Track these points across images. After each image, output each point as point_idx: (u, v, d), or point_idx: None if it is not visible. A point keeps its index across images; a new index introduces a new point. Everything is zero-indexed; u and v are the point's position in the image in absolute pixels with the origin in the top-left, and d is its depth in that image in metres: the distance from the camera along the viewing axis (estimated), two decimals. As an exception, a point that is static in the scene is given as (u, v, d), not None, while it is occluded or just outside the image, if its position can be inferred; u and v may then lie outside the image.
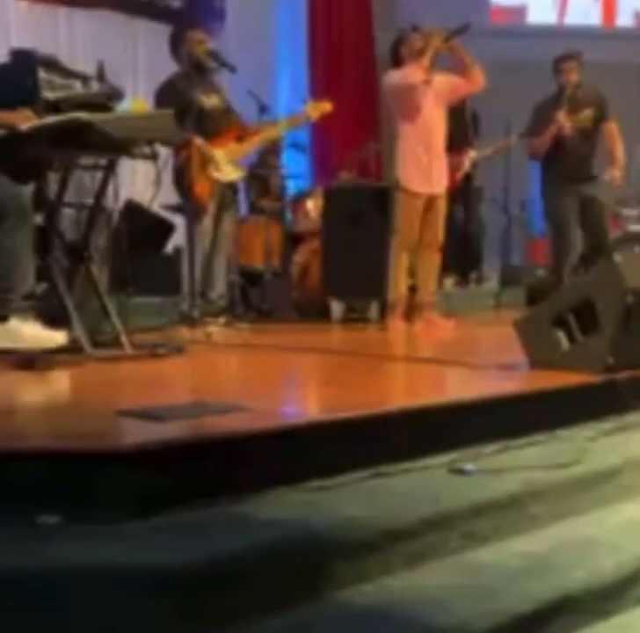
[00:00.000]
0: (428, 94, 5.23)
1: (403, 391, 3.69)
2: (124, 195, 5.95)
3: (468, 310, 6.30)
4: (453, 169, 7.24)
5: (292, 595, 2.20)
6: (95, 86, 3.76)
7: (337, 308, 5.63)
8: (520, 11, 10.60)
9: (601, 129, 6.04)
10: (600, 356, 3.48)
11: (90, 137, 3.48)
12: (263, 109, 5.83)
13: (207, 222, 5.09)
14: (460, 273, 7.38)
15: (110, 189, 4.78)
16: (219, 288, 5.23)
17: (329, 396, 3.26)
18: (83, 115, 3.47)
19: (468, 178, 7.41)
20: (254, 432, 2.54)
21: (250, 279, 5.91)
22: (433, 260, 5.41)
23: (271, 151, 6.30)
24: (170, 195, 5.51)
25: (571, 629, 2.43)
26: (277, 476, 2.52)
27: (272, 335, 4.98)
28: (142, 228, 5.83)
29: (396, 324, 5.22)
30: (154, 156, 3.79)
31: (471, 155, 7.28)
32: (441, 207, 5.39)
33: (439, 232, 5.38)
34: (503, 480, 2.78)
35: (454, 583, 2.41)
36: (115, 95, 3.70)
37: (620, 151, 6.00)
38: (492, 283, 7.36)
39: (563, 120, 5.82)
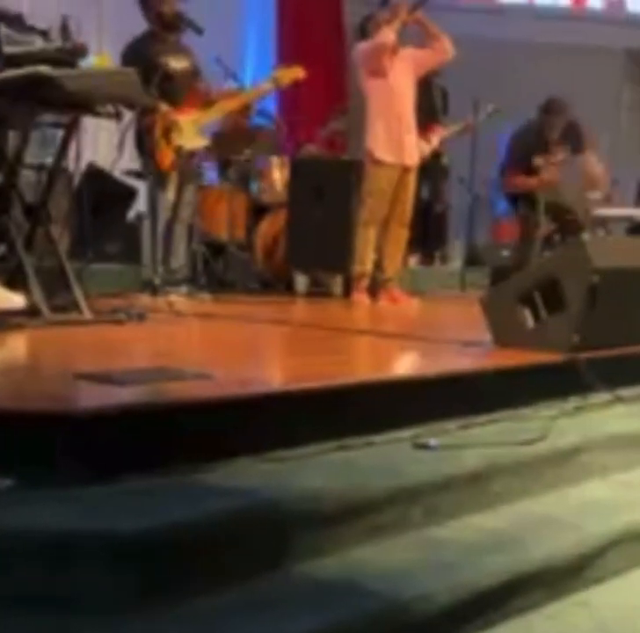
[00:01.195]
0: (396, 65, 5.19)
1: (366, 364, 3.66)
2: (87, 158, 5.81)
3: (432, 289, 6.28)
4: (420, 146, 7.23)
5: (251, 566, 2.16)
6: (57, 42, 3.65)
7: (301, 281, 5.57)
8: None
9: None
10: (565, 335, 3.47)
11: (50, 93, 3.41)
12: (231, 76, 5.73)
13: (169, 190, 4.99)
14: (425, 252, 7.36)
15: (72, 151, 4.68)
16: (180, 258, 5.14)
17: (292, 366, 3.22)
18: (43, 69, 3.38)
19: (435, 155, 7.37)
20: (215, 399, 2.49)
21: (214, 249, 5.82)
22: (401, 236, 5.37)
23: (240, 119, 6.17)
24: (133, 161, 5.40)
25: (532, 606, 2.43)
26: (239, 445, 2.47)
27: (235, 306, 4.91)
28: (104, 193, 5.70)
29: (361, 299, 5.18)
30: (117, 116, 3.69)
31: (440, 132, 7.24)
32: (412, 181, 5.33)
33: (408, 207, 5.33)
34: (466, 456, 2.76)
35: (417, 557, 2.38)
36: (78, 51, 3.58)
37: (598, 173, 6.22)
38: (457, 263, 7.34)
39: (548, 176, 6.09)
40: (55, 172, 3.95)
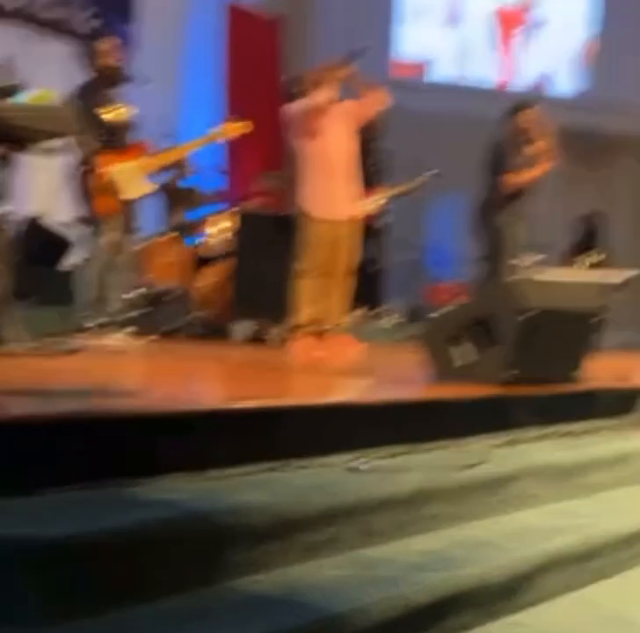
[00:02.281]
0: (334, 119, 5.26)
1: (302, 392, 3.67)
2: (24, 207, 5.84)
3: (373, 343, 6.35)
4: (362, 207, 7.40)
5: (180, 579, 2.13)
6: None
7: (240, 329, 5.59)
8: (423, 66, 10.95)
9: None
10: (497, 371, 3.55)
11: None
12: (170, 135, 5.81)
13: (108, 236, 4.99)
14: (364, 309, 7.44)
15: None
16: (118, 303, 5.13)
17: (224, 390, 3.22)
18: None
19: (377, 216, 7.54)
20: (144, 414, 2.47)
21: (154, 297, 5.83)
22: (347, 284, 5.41)
23: (184, 171, 6.25)
24: (73, 209, 5.41)
25: (466, 626, 2.43)
26: (169, 463, 2.45)
27: (171, 346, 4.90)
28: (42, 240, 5.70)
29: (300, 348, 5.20)
30: (51, 152, 3.70)
31: (382, 193, 7.42)
32: (355, 232, 5.38)
33: (353, 256, 5.38)
34: (402, 479, 2.78)
35: (350, 574, 2.38)
36: (11, 89, 3.59)
37: None
38: (395, 319, 7.46)
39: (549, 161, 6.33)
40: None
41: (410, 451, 3.05)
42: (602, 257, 7.80)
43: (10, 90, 3.56)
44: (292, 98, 5.34)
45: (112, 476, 2.31)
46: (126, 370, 3.89)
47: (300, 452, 2.76)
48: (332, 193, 5.24)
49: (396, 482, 2.75)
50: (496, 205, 6.37)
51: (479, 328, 3.54)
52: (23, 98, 3.62)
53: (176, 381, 3.43)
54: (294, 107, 5.26)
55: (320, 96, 5.10)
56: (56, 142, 3.77)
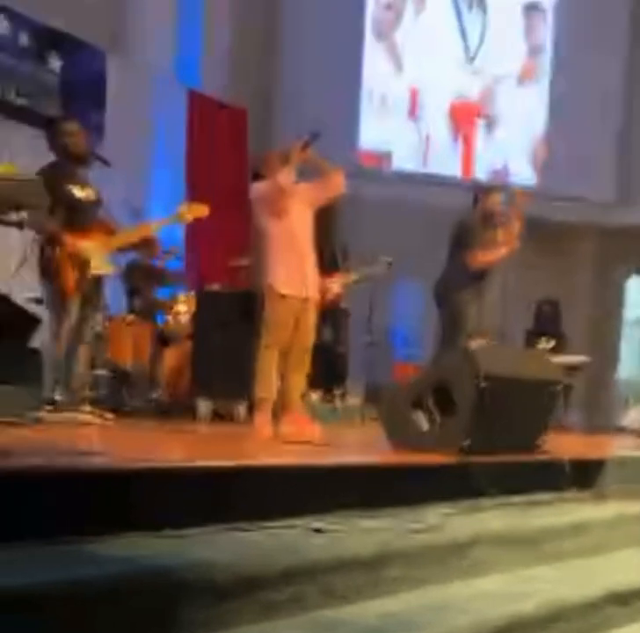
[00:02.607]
0: (295, 200, 5.42)
1: (263, 455, 3.68)
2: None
3: (332, 423, 6.37)
4: (322, 291, 7.52)
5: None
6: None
7: (204, 408, 5.60)
8: (386, 156, 11.28)
9: None
10: (456, 438, 3.59)
11: None
12: (137, 216, 5.91)
13: (72, 314, 5.01)
14: (325, 389, 7.48)
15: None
16: (83, 380, 5.12)
17: (186, 453, 3.22)
18: None
19: (336, 300, 7.67)
20: (102, 471, 2.48)
21: (118, 376, 5.84)
22: (305, 363, 5.46)
23: (147, 255, 6.35)
24: (33, 288, 5.45)
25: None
26: (129, 521, 2.45)
27: (136, 424, 4.90)
28: (7, 318, 5.70)
29: (263, 423, 5.21)
30: (20, 225, 3.76)
31: (340, 278, 7.57)
32: (313, 310, 5.47)
33: (310, 335, 5.46)
34: (362, 540, 2.79)
35: (310, 634, 2.37)
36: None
37: None
38: (357, 400, 7.49)
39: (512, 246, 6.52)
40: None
41: (370, 515, 3.06)
42: (553, 344, 7.94)
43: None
44: (257, 177, 5.48)
45: (70, 533, 2.30)
46: (89, 437, 3.89)
47: (261, 513, 2.77)
48: (297, 271, 5.34)
49: (357, 544, 2.76)
50: (458, 283, 6.52)
51: (440, 395, 3.60)
52: (-11, 170, 3.66)
53: (138, 446, 3.44)
54: (260, 187, 5.41)
55: (283, 176, 5.26)
56: (22, 215, 3.83)
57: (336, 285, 7.56)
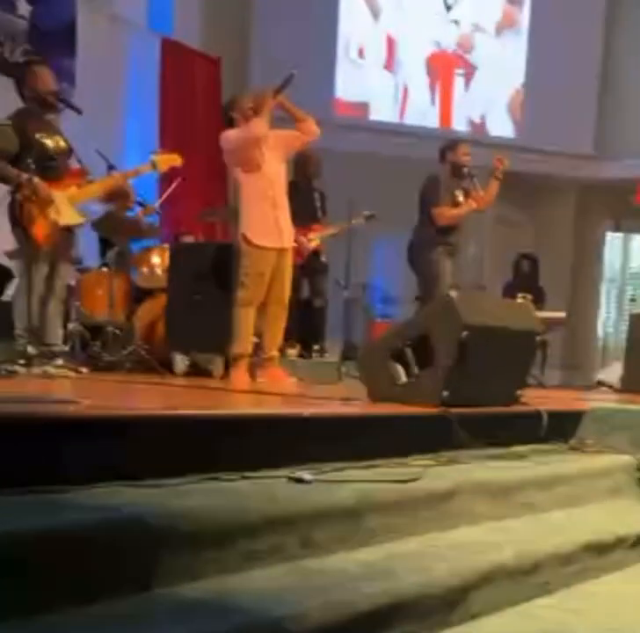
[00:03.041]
0: (268, 148, 5.27)
1: (243, 405, 3.65)
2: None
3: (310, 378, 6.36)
4: (300, 244, 7.45)
5: (118, 584, 2.09)
6: None
7: (180, 362, 5.55)
8: (363, 107, 11.16)
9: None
10: (436, 390, 3.56)
11: None
12: (110, 167, 5.79)
13: (42, 265, 4.93)
14: (303, 345, 7.45)
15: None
16: (56, 333, 5.06)
17: (166, 402, 3.19)
18: None
19: (315, 253, 7.60)
20: (81, 418, 2.44)
21: (93, 330, 5.76)
22: (281, 315, 5.41)
23: (120, 206, 6.23)
24: (6, 241, 5.35)
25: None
26: (107, 470, 2.43)
27: (112, 376, 4.85)
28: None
29: (240, 378, 5.17)
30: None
31: (318, 231, 7.49)
32: (289, 262, 5.42)
33: (286, 287, 5.40)
34: (341, 490, 2.77)
35: (290, 581, 2.36)
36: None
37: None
38: (334, 357, 7.46)
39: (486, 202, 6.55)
40: None
41: (350, 466, 3.05)
42: (530, 298, 7.95)
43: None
44: (230, 122, 5.35)
45: (47, 482, 2.27)
46: (63, 387, 3.84)
47: (241, 464, 2.75)
48: (272, 221, 5.27)
49: (336, 494, 2.74)
50: (428, 241, 6.48)
51: (419, 346, 3.56)
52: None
53: (114, 395, 3.40)
54: (232, 136, 5.27)
55: (256, 126, 5.14)
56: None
57: (314, 237, 7.50)
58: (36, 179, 4.80)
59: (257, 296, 5.25)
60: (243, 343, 5.24)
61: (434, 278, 6.40)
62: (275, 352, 5.43)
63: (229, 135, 5.27)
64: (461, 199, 6.61)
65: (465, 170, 6.58)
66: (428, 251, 6.45)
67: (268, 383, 5.10)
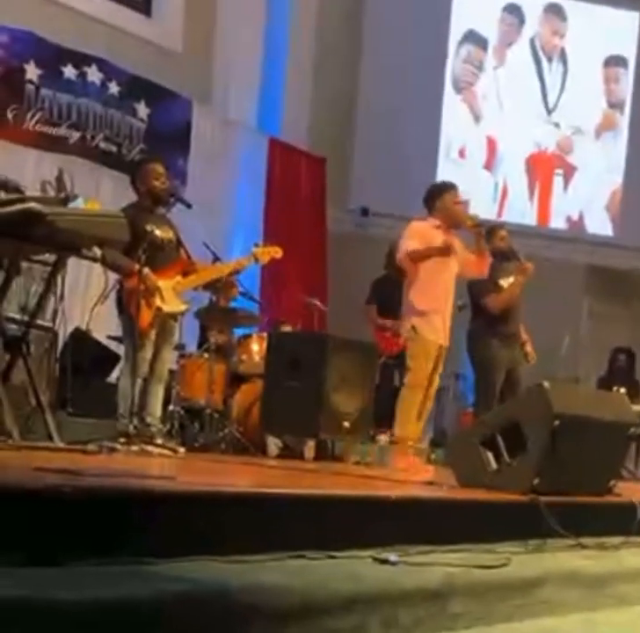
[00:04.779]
0: (452, 257, 5.55)
1: (334, 485, 3.67)
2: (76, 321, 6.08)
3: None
4: (397, 333, 7.54)
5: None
6: (51, 192, 3.90)
7: (273, 444, 5.66)
8: (463, 205, 11.30)
9: None
10: (526, 477, 3.55)
11: (39, 230, 3.50)
12: (215, 259, 6.04)
13: (146, 348, 5.13)
14: (393, 432, 7.45)
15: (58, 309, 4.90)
16: (156, 414, 5.22)
17: (257, 479, 3.26)
18: (34, 205, 3.50)
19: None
20: (175, 494, 2.53)
21: (192, 413, 5.95)
22: (427, 408, 5.55)
23: (224, 296, 6.47)
24: (114, 326, 5.59)
25: None
26: (198, 545, 2.47)
27: (208, 457, 4.98)
28: (88, 354, 5.89)
29: (408, 463, 5.17)
30: (103, 261, 3.87)
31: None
32: (441, 362, 5.57)
33: (435, 382, 5.54)
34: (427, 572, 2.77)
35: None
36: (69, 198, 3.80)
37: None
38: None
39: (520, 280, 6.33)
40: (38, 308, 4.09)
41: (436, 549, 3.04)
42: (624, 391, 7.77)
43: (66, 199, 3.77)
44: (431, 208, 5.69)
45: (137, 554, 2.33)
46: (160, 464, 3.96)
47: (327, 543, 2.78)
48: (443, 322, 5.57)
49: (421, 576, 2.74)
50: (482, 332, 6.42)
51: (510, 434, 3.57)
52: (77, 204, 3.80)
53: (208, 473, 3.49)
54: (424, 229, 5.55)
55: (451, 244, 5.51)
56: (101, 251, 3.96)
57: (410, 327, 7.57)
58: (146, 270, 5.03)
59: (421, 384, 5.42)
60: (405, 427, 5.38)
61: (488, 369, 6.32)
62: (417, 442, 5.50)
63: (420, 226, 5.64)
64: (503, 284, 6.51)
65: (506, 254, 6.48)
66: (482, 342, 6.38)
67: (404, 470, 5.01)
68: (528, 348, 6.58)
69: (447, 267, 5.57)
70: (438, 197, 5.75)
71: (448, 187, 5.95)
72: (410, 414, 5.27)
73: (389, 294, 7.72)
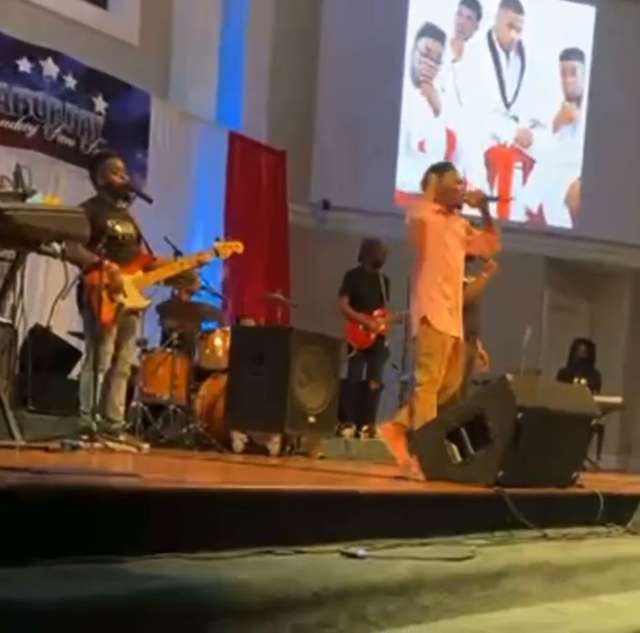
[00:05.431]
0: (456, 238, 5.21)
1: (299, 480, 3.68)
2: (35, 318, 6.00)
3: (362, 457, 6.39)
4: (367, 328, 7.56)
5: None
6: (8, 187, 3.85)
7: (238, 440, 5.64)
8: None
9: None
10: (491, 470, 3.58)
11: None
12: (177, 254, 6.00)
13: (108, 343, 5.08)
14: (358, 426, 7.47)
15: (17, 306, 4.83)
16: (119, 410, 5.18)
17: (223, 476, 3.25)
18: None
19: (379, 337, 7.70)
20: (139, 491, 2.51)
21: (154, 408, 5.91)
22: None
23: (185, 290, 6.44)
24: (74, 322, 5.53)
25: None
26: (162, 542, 2.46)
27: (172, 453, 4.94)
28: (48, 350, 5.82)
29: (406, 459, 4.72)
30: (63, 255, 3.84)
31: (387, 316, 7.61)
32: (462, 350, 5.11)
33: (459, 375, 5.10)
34: (395, 566, 2.77)
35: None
36: (27, 193, 3.76)
37: None
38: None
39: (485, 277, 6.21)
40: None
41: (403, 543, 3.06)
42: (585, 382, 7.88)
43: (24, 194, 3.72)
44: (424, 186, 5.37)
45: (102, 551, 2.31)
46: (123, 461, 3.94)
47: (294, 538, 2.78)
48: (454, 311, 5.10)
49: (389, 570, 2.75)
50: None
51: (474, 427, 3.60)
52: (35, 200, 3.76)
53: (173, 470, 3.48)
54: (426, 208, 5.20)
55: (452, 224, 5.18)
56: (61, 246, 3.91)
57: (383, 322, 7.59)
58: (114, 267, 4.99)
59: (436, 377, 4.91)
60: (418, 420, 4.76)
61: None
62: None
63: (425, 206, 5.28)
64: (465, 280, 6.42)
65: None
66: None
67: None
68: (482, 352, 6.57)
69: (457, 251, 5.25)
70: (439, 176, 5.43)
71: (449, 166, 5.73)
72: (430, 416, 4.60)
73: (362, 285, 7.75)
